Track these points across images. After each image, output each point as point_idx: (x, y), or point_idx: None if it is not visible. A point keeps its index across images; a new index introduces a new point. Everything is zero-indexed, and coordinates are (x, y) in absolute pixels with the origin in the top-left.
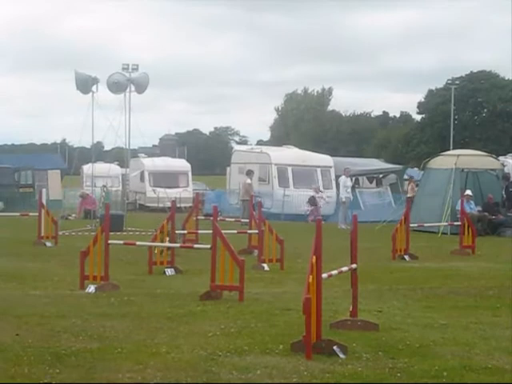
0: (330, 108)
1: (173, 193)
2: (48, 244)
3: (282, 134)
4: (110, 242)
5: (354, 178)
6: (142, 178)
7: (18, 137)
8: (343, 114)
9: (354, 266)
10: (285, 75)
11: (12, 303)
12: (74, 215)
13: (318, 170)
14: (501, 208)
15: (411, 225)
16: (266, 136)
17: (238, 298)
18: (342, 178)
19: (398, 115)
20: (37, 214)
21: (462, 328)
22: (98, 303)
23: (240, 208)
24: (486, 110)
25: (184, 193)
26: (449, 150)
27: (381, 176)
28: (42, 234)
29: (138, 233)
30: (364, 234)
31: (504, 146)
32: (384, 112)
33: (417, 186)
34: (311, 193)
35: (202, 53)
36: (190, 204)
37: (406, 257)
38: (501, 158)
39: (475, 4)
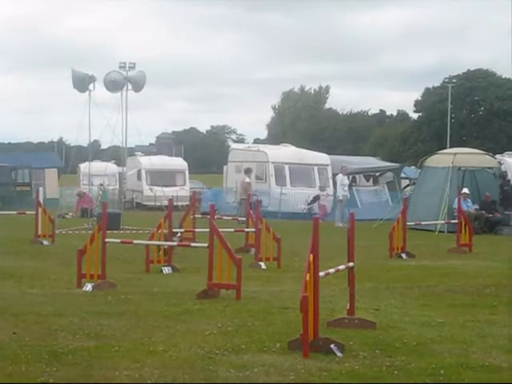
0: (326, 106)
1: (170, 191)
2: (45, 242)
3: (279, 132)
4: (107, 240)
5: (350, 176)
6: (138, 177)
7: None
8: (340, 113)
9: (351, 264)
10: (282, 74)
11: (9, 302)
12: (70, 214)
13: (315, 168)
14: (498, 206)
15: (408, 223)
16: (263, 134)
17: (235, 296)
18: (339, 176)
19: (394, 113)
20: (34, 212)
21: (459, 326)
22: (95, 302)
23: (237, 206)
24: (482, 109)
25: (181, 191)
26: (446, 148)
27: (377, 174)
28: (39, 233)
29: (135, 231)
30: (361, 232)
31: (501, 145)
32: (381, 110)
33: (413, 184)
34: (316, 191)
35: (198, 51)
36: (187, 202)
37: (403, 255)
38: (498, 156)
39: (473, 3)
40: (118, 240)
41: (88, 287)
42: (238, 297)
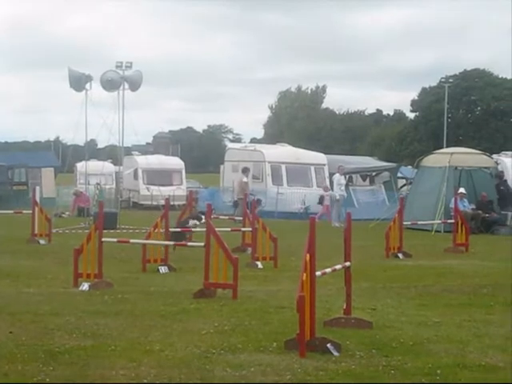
0: (323, 106)
1: (166, 191)
2: (41, 242)
3: (276, 131)
4: (103, 239)
5: (347, 176)
6: (135, 176)
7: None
8: (337, 112)
9: (347, 263)
10: (279, 73)
11: (6, 301)
12: (67, 213)
13: (312, 167)
14: (495, 206)
15: (405, 223)
16: (260, 134)
17: (231, 295)
18: (336, 176)
19: (391, 113)
20: (30, 211)
21: (456, 326)
22: (91, 301)
23: (233, 206)
24: (479, 109)
25: (177, 191)
26: (442, 148)
27: (374, 174)
28: (36, 232)
29: (131, 231)
30: (358, 231)
31: (497, 145)
32: (378, 110)
33: (410, 184)
34: (320, 192)
35: (195, 51)
36: (184, 202)
37: (400, 255)
38: (494, 156)
39: (472, 3)
40: (115, 239)
41: (85, 286)
42: (234, 296)
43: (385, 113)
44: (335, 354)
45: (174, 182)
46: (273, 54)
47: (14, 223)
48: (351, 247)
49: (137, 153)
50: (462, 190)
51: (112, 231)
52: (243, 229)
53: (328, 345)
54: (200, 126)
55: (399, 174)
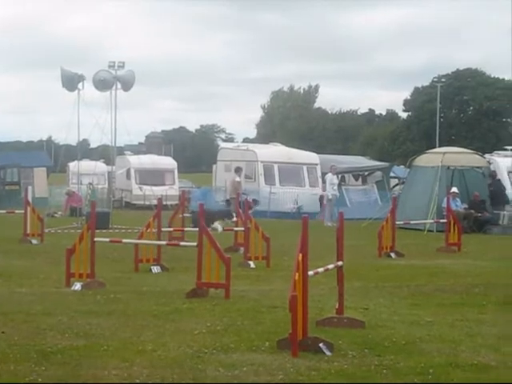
0: (316, 105)
1: (159, 190)
2: (34, 242)
3: (269, 131)
4: (95, 239)
5: (340, 176)
6: (128, 176)
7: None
8: (329, 112)
9: (340, 263)
10: (272, 73)
11: None
12: (59, 213)
13: (304, 167)
14: (487, 205)
15: (397, 222)
16: (253, 133)
17: (224, 295)
18: (329, 176)
19: (384, 113)
20: (23, 211)
21: (448, 325)
22: (83, 301)
23: (226, 205)
24: (472, 108)
25: (170, 190)
26: (435, 147)
27: (366, 173)
28: (28, 232)
29: (124, 230)
30: (350, 231)
31: (490, 144)
32: (370, 110)
33: (402, 183)
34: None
35: (188, 51)
36: (176, 202)
37: (392, 254)
38: (487, 155)
39: (466, 3)
40: (107, 239)
41: (77, 286)
42: (226, 296)
43: (377, 112)
44: (328, 353)
45: (166, 181)
46: (266, 54)
47: (6, 223)
48: (344, 247)
49: (129, 152)
50: (454, 189)
51: (104, 231)
52: (236, 228)
53: (320, 344)
54: (193, 126)
55: (392, 174)
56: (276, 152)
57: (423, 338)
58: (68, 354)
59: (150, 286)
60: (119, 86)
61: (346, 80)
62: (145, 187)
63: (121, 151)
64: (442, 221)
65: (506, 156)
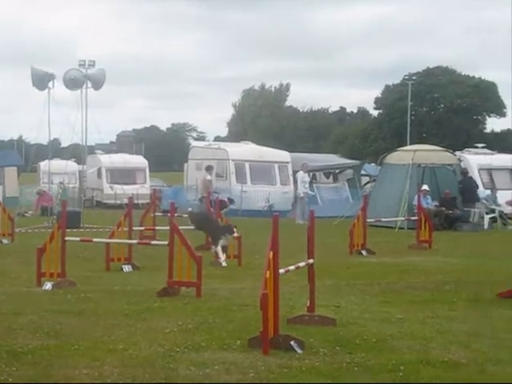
0: (287, 104)
1: (130, 189)
2: (4, 241)
3: (240, 130)
4: (66, 238)
5: (311, 174)
6: (99, 175)
7: None
8: (301, 110)
9: (311, 261)
10: (242, 71)
11: None
12: (30, 212)
13: (276, 165)
14: (458, 203)
15: (368, 220)
16: (224, 132)
17: (195, 294)
18: (300, 174)
19: (355, 111)
20: None
21: (419, 322)
22: (54, 300)
23: (198, 204)
24: (442, 106)
25: (141, 189)
26: (406, 145)
27: (337, 171)
28: None
29: (95, 230)
30: (321, 229)
31: (460, 142)
32: (341, 108)
33: (373, 181)
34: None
35: (159, 49)
36: (148, 200)
37: (364, 252)
38: (457, 153)
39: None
40: (78, 238)
41: (48, 286)
42: (198, 294)
43: (348, 110)
44: (299, 351)
45: (137, 180)
46: (237, 53)
47: None
48: (315, 244)
49: (100, 151)
50: (425, 186)
51: (75, 230)
52: None
53: (291, 342)
54: (164, 125)
55: (363, 172)
56: (247, 150)
57: (394, 336)
58: (39, 354)
59: (121, 285)
60: (90, 84)
61: (317, 78)
62: (116, 186)
63: (92, 150)
64: (413, 218)
65: (476, 153)
